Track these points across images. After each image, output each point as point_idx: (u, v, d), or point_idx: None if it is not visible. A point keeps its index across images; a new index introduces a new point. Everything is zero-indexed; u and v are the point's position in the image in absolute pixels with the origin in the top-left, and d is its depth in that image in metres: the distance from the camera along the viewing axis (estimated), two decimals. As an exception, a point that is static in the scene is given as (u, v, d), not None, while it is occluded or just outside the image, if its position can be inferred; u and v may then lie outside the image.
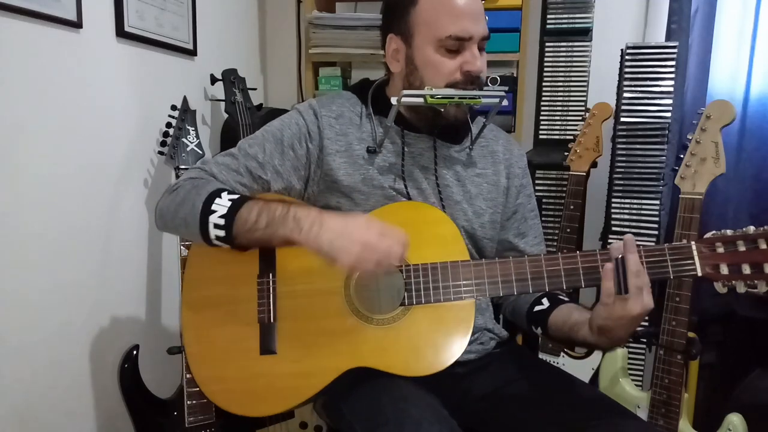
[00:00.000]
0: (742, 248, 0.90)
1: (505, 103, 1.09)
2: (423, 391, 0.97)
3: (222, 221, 0.98)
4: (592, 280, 0.96)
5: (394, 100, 1.06)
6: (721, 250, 0.91)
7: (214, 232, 0.99)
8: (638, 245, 0.93)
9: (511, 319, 1.25)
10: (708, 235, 0.93)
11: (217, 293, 1.07)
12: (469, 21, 1.04)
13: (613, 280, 0.91)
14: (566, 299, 1.12)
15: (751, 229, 0.90)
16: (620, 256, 0.92)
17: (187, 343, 1.08)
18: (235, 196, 1.00)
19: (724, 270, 0.91)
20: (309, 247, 0.94)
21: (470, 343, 1.13)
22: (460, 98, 1.05)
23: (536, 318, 1.11)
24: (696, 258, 0.92)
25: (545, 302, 1.11)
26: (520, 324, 1.20)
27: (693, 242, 0.93)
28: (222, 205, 0.98)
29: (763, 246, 0.88)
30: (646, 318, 1.81)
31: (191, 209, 1.00)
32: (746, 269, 0.89)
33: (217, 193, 1.00)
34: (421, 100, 1.04)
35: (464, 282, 1.01)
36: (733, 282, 0.90)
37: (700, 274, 0.92)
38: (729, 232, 0.91)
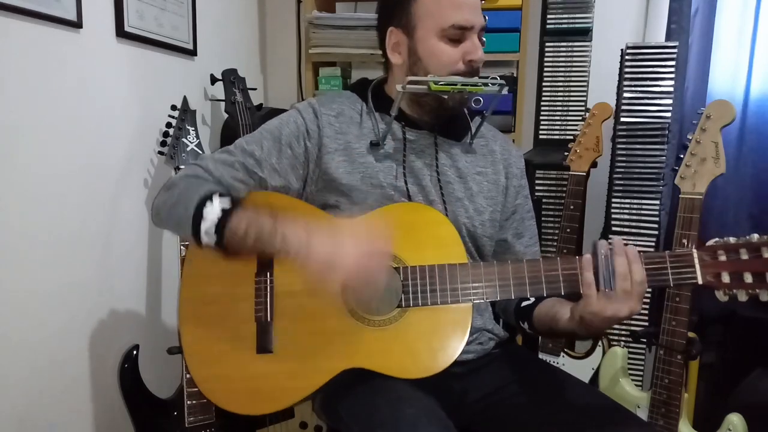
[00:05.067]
0: (744, 257, 0.89)
1: (505, 92, 1.10)
2: (420, 391, 0.97)
3: (213, 229, 0.97)
4: None
5: (399, 87, 1.07)
6: (723, 258, 0.90)
7: (205, 239, 0.98)
8: (639, 252, 0.92)
9: (502, 317, 1.27)
10: (710, 242, 0.92)
11: (214, 291, 1.06)
12: (469, 11, 1.08)
13: (592, 271, 0.92)
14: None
15: (755, 237, 0.88)
16: (606, 253, 0.92)
17: (184, 342, 1.08)
18: (227, 204, 0.97)
19: (726, 278, 0.89)
20: (299, 266, 0.94)
21: (469, 343, 1.14)
22: (462, 85, 1.07)
23: (523, 313, 1.13)
24: (697, 266, 0.91)
25: (532, 297, 1.12)
26: (509, 320, 1.21)
27: (694, 250, 0.92)
28: (213, 212, 0.96)
29: (767, 255, 0.87)
30: (646, 318, 1.81)
31: (184, 213, 1.00)
32: (748, 278, 0.88)
33: (209, 197, 0.98)
34: (425, 87, 1.06)
35: (462, 285, 1.00)
36: (735, 291, 0.89)
37: (700, 282, 0.91)
38: (732, 239, 0.90)
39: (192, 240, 1.01)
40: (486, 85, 1.08)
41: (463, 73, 1.09)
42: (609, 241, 0.93)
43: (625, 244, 0.93)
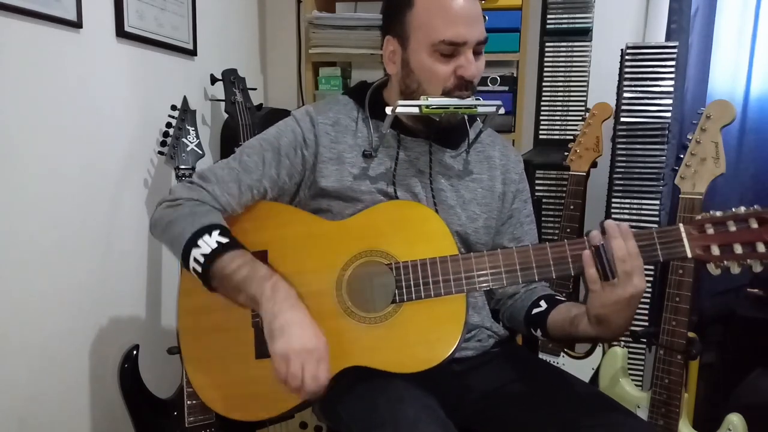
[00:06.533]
0: (732, 228, 0.89)
1: (501, 111, 1.07)
2: (420, 391, 0.97)
3: (202, 258, 0.99)
4: (580, 267, 0.95)
5: (389, 110, 1.05)
6: (711, 231, 0.90)
7: (192, 264, 1.00)
8: (632, 229, 0.93)
9: (509, 326, 1.25)
10: (697, 217, 0.92)
11: (212, 299, 1.06)
12: (463, 26, 1.03)
13: (595, 266, 0.92)
14: (564, 299, 1.12)
15: (742, 209, 0.89)
16: (601, 243, 0.92)
17: (183, 350, 1.08)
18: (224, 239, 1.00)
19: (716, 251, 0.90)
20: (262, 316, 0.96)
21: (468, 340, 1.14)
22: (455, 108, 1.04)
23: (535, 320, 1.11)
24: (685, 240, 0.91)
25: (543, 304, 1.11)
26: (518, 328, 1.20)
27: (681, 224, 0.92)
28: (208, 243, 0.99)
29: (754, 225, 0.88)
30: (646, 318, 1.81)
31: (180, 234, 1.02)
32: (738, 249, 0.88)
33: (208, 230, 1.01)
34: (416, 110, 1.04)
35: (454, 276, 1.00)
36: (726, 262, 0.89)
37: (689, 255, 0.91)
38: (718, 213, 0.91)
39: (180, 261, 1.03)
40: (480, 106, 1.05)
41: (454, 88, 1.05)
42: (602, 227, 0.93)
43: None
